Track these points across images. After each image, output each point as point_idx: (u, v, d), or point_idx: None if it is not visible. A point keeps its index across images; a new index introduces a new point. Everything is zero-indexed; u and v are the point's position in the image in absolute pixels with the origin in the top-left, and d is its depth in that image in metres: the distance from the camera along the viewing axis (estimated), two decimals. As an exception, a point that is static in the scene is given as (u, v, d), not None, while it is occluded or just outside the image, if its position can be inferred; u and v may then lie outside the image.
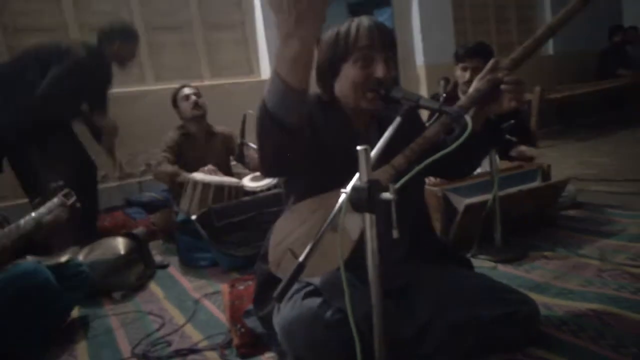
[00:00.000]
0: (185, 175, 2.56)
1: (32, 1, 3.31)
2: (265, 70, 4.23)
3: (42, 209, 1.77)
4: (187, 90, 2.76)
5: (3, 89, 2.51)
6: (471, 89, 1.11)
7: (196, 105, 2.72)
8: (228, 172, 2.82)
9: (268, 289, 1.20)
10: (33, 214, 1.75)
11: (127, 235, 2.34)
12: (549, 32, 1.09)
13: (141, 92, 3.65)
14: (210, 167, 2.59)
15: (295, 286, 1.11)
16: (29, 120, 2.42)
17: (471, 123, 0.92)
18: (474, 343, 1.19)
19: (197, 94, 2.76)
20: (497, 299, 1.21)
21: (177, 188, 2.62)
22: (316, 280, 1.11)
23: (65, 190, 1.84)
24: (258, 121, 0.94)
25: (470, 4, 5.52)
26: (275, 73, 0.89)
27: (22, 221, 1.73)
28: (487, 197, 2.01)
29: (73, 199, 1.84)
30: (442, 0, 5.06)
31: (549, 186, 2.33)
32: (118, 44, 2.65)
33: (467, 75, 2.31)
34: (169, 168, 2.62)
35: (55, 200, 1.80)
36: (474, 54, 2.29)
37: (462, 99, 1.09)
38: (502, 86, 1.10)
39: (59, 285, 1.67)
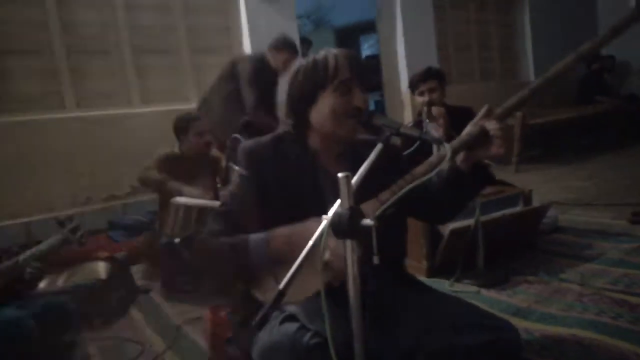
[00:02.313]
0: (173, 184, 2.53)
1: (19, 23, 3.31)
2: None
3: (42, 246, 1.71)
4: (202, 127, 2.71)
5: None
6: (463, 133, 1.12)
7: (207, 145, 2.72)
8: (215, 193, 2.80)
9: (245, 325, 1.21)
10: (33, 250, 1.68)
11: (109, 259, 2.30)
12: (544, 83, 1.09)
13: (127, 114, 3.64)
14: (192, 190, 2.58)
15: (273, 313, 1.10)
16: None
17: (450, 152, 0.94)
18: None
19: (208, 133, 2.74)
20: (479, 326, 1.22)
21: (163, 206, 2.59)
22: (292, 307, 1.11)
23: (73, 224, 1.79)
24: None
25: (453, 32, 5.67)
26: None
27: (20, 257, 1.66)
28: (471, 222, 2.03)
29: (80, 232, 1.79)
30: (426, 28, 5.20)
31: (530, 211, 2.36)
32: (272, 53, 3.20)
33: (426, 97, 2.43)
34: (157, 175, 2.60)
35: (59, 236, 1.75)
36: (427, 77, 2.46)
37: (454, 141, 1.10)
38: (492, 132, 1.12)
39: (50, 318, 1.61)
